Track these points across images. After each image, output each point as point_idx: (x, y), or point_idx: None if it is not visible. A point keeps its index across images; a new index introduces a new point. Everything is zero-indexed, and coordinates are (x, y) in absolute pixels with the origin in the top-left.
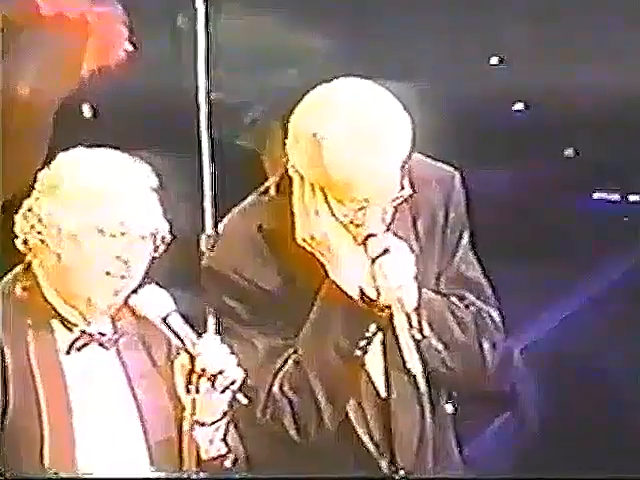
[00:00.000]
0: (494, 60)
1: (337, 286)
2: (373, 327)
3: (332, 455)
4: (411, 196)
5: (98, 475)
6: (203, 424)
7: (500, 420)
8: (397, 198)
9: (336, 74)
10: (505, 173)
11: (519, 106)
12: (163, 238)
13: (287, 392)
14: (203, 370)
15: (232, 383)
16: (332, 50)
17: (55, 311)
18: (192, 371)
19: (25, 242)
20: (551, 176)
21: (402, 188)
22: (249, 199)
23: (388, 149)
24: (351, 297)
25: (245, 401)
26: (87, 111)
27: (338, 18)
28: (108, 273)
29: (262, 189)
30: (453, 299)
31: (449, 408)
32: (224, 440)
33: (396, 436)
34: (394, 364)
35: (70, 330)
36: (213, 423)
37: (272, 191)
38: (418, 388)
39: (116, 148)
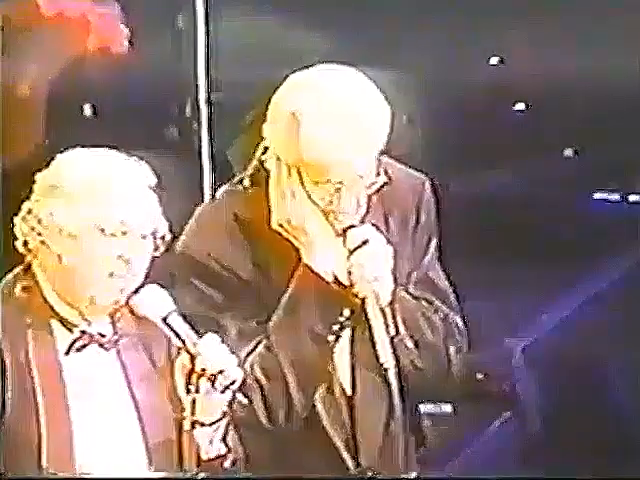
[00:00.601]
0: (494, 60)
1: (311, 270)
2: (347, 312)
3: (299, 448)
4: (386, 184)
5: (96, 476)
6: (203, 424)
7: (500, 420)
8: (372, 185)
9: None
10: (505, 173)
11: (519, 106)
12: (163, 237)
13: (258, 375)
14: (203, 370)
15: (232, 383)
16: (332, 50)
17: (55, 311)
18: (192, 371)
19: (25, 244)
20: (551, 176)
21: (377, 175)
22: (222, 189)
23: (365, 133)
24: (325, 280)
25: (245, 401)
26: (87, 111)
27: (338, 18)
28: (110, 273)
29: (236, 180)
30: (422, 302)
31: (448, 408)
32: (224, 440)
33: (360, 433)
34: (362, 361)
35: (70, 331)
36: (213, 423)
37: (246, 182)
38: (388, 384)
39: (115, 148)
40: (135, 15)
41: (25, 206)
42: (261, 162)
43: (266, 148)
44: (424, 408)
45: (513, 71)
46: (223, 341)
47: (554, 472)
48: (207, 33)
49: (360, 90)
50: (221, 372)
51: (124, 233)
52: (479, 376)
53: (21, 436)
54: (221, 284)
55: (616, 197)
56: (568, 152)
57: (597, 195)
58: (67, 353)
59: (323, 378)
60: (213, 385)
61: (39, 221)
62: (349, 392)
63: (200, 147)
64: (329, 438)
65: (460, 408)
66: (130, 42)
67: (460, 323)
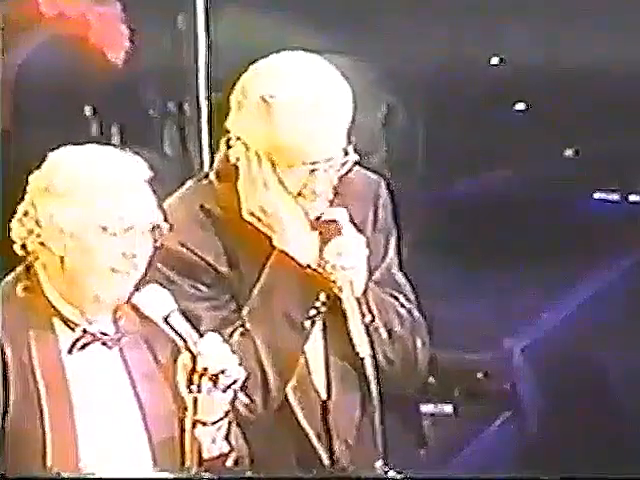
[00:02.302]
0: (494, 60)
1: (287, 254)
2: (323, 297)
3: (272, 439)
4: (356, 163)
5: (101, 475)
6: (205, 423)
7: (500, 420)
8: (344, 165)
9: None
10: (505, 173)
11: (519, 106)
12: (161, 230)
13: None
14: (205, 369)
15: (234, 382)
16: (332, 50)
17: (57, 310)
18: (194, 370)
19: (24, 246)
20: (551, 176)
21: (346, 154)
22: (187, 184)
23: (335, 113)
24: (301, 265)
25: (247, 400)
26: (87, 111)
27: (338, 18)
28: (114, 270)
29: (201, 175)
30: (388, 296)
31: (448, 408)
32: (226, 439)
33: (334, 428)
34: (336, 353)
35: (72, 330)
36: (215, 422)
37: (212, 176)
38: (364, 375)
39: (108, 144)
40: (135, 15)
41: (21, 208)
42: (226, 156)
43: (229, 142)
44: (424, 408)
45: (513, 71)
46: (198, 330)
47: (554, 472)
48: (207, 33)
49: (323, 71)
50: (223, 371)
51: (126, 230)
52: (479, 376)
53: (25, 435)
54: (191, 272)
55: (616, 197)
56: (568, 152)
57: (597, 195)
58: (70, 352)
59: (299, 365)
60: (215, 384)
61: (37, 223)
62: (324, 396)
63: (200, 146)
64: (302, 430)
65: (460, 408)
66: (130, 42)
67: (422, 320)
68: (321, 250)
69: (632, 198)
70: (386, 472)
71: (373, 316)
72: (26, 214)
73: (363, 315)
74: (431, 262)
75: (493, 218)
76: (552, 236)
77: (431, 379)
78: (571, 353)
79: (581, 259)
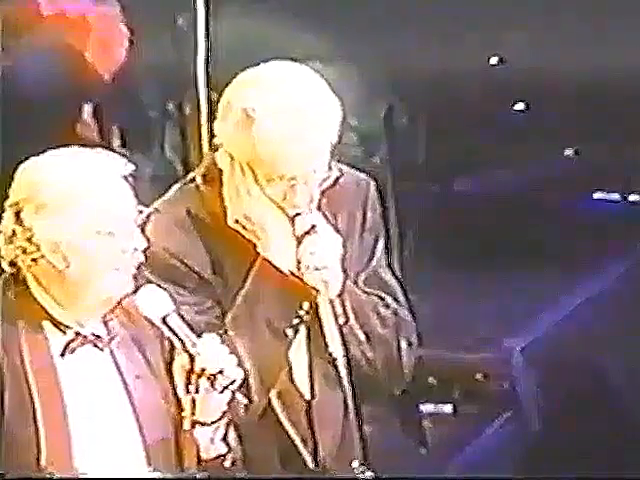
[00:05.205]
0: (494, 60)
1: (270, 263)
2: (306, 305)
3: (256, 443)
4: (338, 178)
5: (95, 475)
6: (203, 424)
7: (500, 420)
8: (325, 180)
9: (335, 74)
10: (505, 173)
11: (519, 106)
12: (145, 214)
13: None
14: (202, 370)
15: (232, 383)
16: (331, 50)
17: (48, 314)
18: (191, 371)
19: (13, 263)
20: (551, 176)
21: (329, 169)
22: (175, 187)
23: (317, 127)
24: (284, 273)
25: (245, 401)
26: (87, 111)
27: (338, 19)
28: (118, 269)
29: (188, 178)
30: (373, 297)
31: (448, 408)
32: (224, 440)
33: (318, 430)
34: (319, 355)
35: (63, 332)
36: (213, 423)
37: (199, 180)
38: (339, 374)
39: (123, 146)
40: (135, 15)
41: (7, 228)
42: (213, 160)
43: (217, 146)
44: (424, 408)
45: (513, 71)
46: (195, 331)
47: (554, 472)
48: (207, 33)
49: (310, 85)
50: (220, 372)
51: (120, 226)
52: (479, 376)
53: (19, 437)
54: (175, 278)
55: (616, 197)
56: (568, 152)
57: (597, 195)
58: (62, 355)
59: (281, 370)
60: (212, 385)
61: (30, 241)
62: (307, 396)
63: (201, 147)
64: (286, 434)
65: (460, 408)
66: (130, 42)
67: (410, 320)
68: (296, 251)
69: (632, 198)
70: (362, 472)
71: (347, 317)
72: (14, 234)
73: (337, 316)
74: (431, 262)
75: (493, 218)
76: (552, 236)
77: (431, 379)
78: (571, 353)
79: (581, 259)
